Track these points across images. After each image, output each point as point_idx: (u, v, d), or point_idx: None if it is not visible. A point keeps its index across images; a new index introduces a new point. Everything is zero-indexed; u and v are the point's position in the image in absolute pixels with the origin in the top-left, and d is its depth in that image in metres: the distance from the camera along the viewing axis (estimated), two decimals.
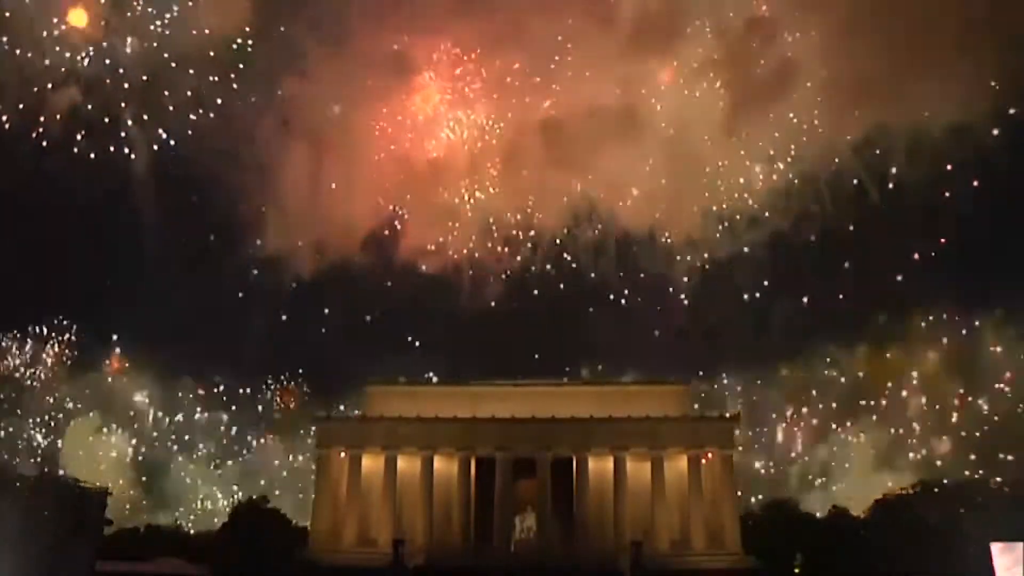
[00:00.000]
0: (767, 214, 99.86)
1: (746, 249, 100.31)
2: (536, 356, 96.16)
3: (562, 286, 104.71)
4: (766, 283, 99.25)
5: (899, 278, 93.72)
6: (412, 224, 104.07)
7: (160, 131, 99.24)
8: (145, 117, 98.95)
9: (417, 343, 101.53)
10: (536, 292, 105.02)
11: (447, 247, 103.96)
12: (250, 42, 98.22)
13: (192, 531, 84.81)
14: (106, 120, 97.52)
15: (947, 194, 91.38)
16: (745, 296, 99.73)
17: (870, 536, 64.44)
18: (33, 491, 50.73)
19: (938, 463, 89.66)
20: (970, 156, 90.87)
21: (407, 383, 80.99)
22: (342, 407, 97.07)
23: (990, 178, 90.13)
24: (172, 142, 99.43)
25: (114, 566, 58.88)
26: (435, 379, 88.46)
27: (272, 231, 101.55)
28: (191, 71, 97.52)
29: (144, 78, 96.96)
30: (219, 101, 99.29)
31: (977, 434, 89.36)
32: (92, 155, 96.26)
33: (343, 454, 73.69)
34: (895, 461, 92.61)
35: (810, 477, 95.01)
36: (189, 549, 70.30)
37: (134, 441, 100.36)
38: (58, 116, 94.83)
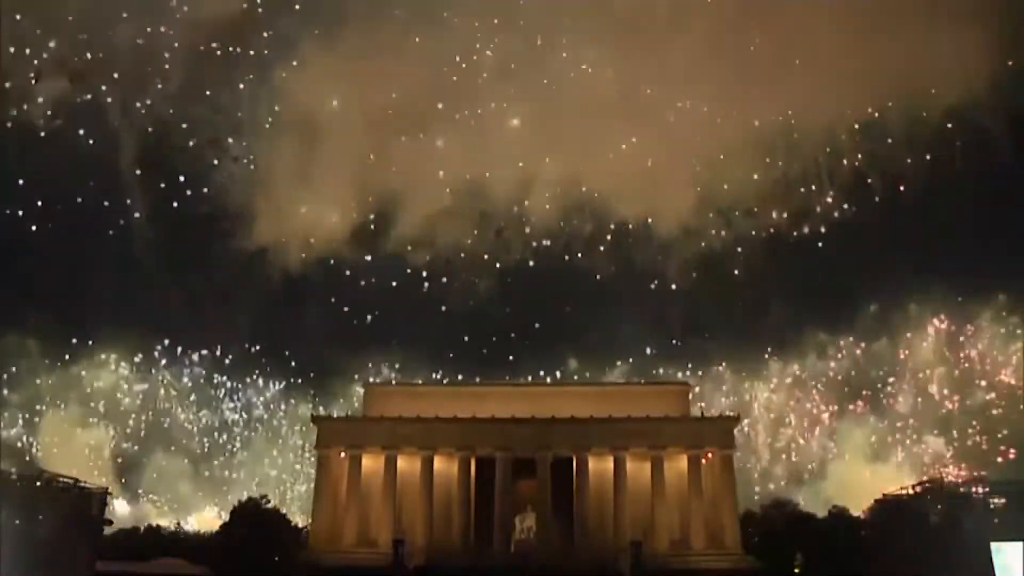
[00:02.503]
0: (762, 204, 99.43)
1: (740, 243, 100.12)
2: (527, 350, 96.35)
3: (555, 278, 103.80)
4: (761, 274, 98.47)
5: (896, 266, 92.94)
6: (402, 216, 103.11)
7: (148, 120, 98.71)
8: (135, 103, 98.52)
9: (406, 337, 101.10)
10: (528, 285, 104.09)
11: (437, 239, 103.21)
12: (242, 31, 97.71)
13: (173, 525, 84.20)
14: (94, 108, 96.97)
15: (946, 179, 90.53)
16: (739, 287, 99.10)
17: (870, 536, 64.38)
18: (33, 491, 50.67)
19: (935, 459, 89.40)
20: (970, 139, 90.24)
21: (407, 383, 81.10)
22: (332, 406, 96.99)
23: (990, 162, 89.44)
24: (160, 131, 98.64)
25: (114, 566, 58.79)
26: (427, 377, 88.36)
27: (260, 223, 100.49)
28: (183, 59, 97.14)
29: (134, 65, 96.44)
30: (209, 90, 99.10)
31: (974, 431, 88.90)
32: (78, 144, 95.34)
33: (343, 454, 73.76)
34: (889, 455, 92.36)
35: (803, 472, 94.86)
36: (189, 549, 70.23)
37: (113, 435, 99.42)
38: (44, 105, 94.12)
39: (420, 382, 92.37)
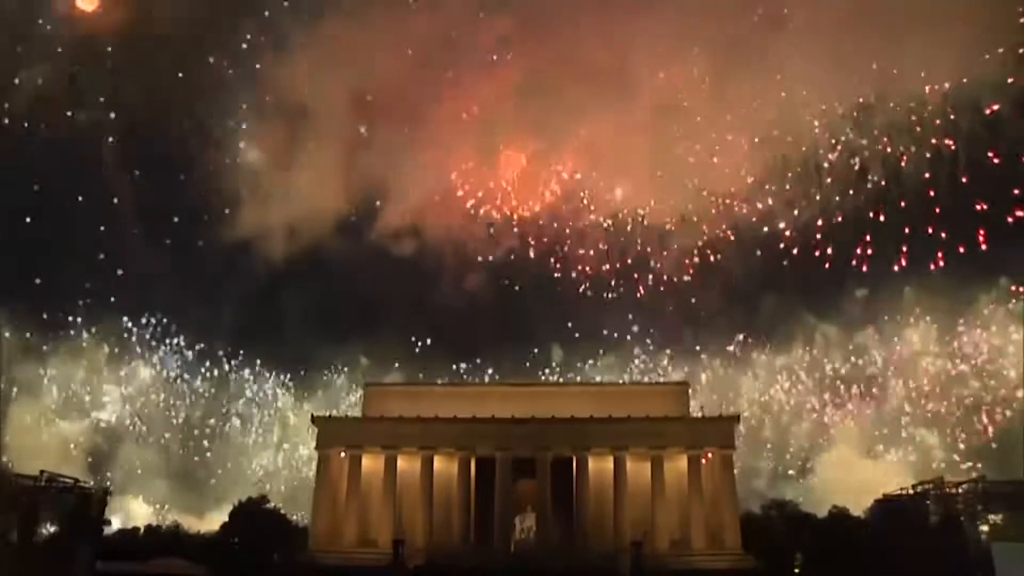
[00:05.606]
0: (759, 194, 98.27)
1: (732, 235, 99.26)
2: (517, 344, 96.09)
3: (547, 271, 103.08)
4: (756, 266, 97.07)
5: (894, 253, 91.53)
6: (389, 207, 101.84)
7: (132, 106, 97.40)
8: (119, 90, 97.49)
9: (393, 330, 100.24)
10: (521, 278, 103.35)
11: (425, 230, 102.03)
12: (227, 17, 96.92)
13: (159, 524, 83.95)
14: (77, 97, 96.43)
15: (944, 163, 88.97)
16: (733, 279, 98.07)
17: (870, 536, 64.47)
18: (33, 492, 50.74)
19: (930, 455, 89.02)
20: (968, 123, 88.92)
21: (407, 383, 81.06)
22: (316, 400, 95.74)
23: (989, 146, 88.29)
24: (143, 120, 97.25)
25: (114, 566, 58.90)
26: (412, 369, 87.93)
27: (245, 213, 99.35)
28: (167, 47, 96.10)
29: (117, 52, 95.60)
30: (195, 78, 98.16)
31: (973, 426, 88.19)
32: (59, 130, 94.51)
33: (343, 454, 73.77)
34: (884, 450, 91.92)
35: (796, 469, 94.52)
36: (189, 549, 70.25)
37: (88, 429, 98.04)
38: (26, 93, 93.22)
39: (419, 381, 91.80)
